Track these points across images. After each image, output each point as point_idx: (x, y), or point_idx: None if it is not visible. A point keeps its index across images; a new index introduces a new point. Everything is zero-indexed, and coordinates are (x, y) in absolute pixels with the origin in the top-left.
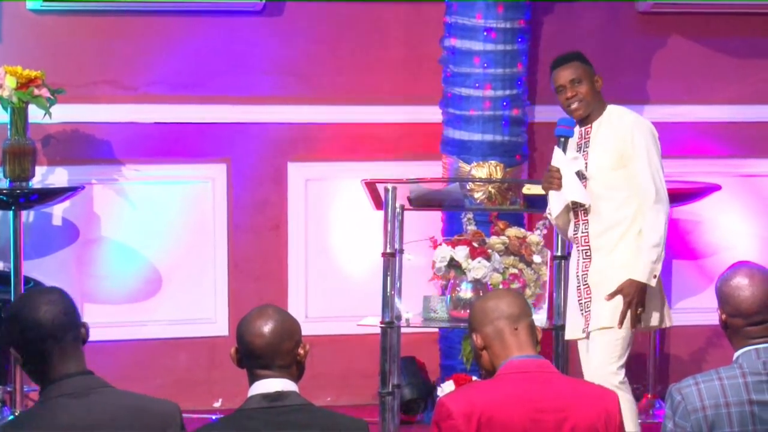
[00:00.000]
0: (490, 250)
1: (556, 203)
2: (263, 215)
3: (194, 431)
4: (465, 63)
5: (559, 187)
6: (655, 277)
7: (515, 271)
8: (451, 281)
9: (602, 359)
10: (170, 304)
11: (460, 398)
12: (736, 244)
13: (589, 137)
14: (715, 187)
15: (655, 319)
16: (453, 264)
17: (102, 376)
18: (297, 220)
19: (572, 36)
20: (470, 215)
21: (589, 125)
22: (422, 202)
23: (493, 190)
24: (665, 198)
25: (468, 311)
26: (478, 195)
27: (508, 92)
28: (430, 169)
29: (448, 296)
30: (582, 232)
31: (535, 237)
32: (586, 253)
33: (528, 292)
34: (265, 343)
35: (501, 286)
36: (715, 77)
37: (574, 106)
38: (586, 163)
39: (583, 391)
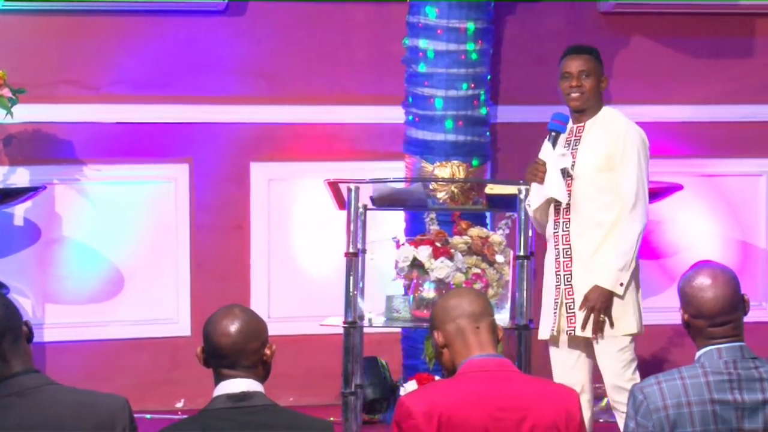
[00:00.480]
0: (452, 250)
1: (536, 196)
2: (226, 215)
3: (158, 431)
4: (428, 63)
5: (542, 180)
6: (621, 285)
7: (478, 270)
8: (414, 281)
9: (617, 367)
10: (132, 304)
11: (420, 398)
12: (698, 243)
13: (580, 135)
14: (678, 187)
15: (634, 327)
16: (416, 264)
17: (63, 377)
18: (260, 220)
19: (535, 36)
20: (433, 215)
21: (582, 124)
22: (385, 202)
23: (455, 190)
24: (644, 209)
25: (430, 311)
26: (441, 195)
27: (470, 92)
28: (393, 169)
29: (411, 296)
30: (563, 231)
31: (497, 237)
32: (566, 252)
33: (491, 291)
34: (231, 343)
35: (464, 286)
36: (678, 77)
37: (575, 95)
38: (574, 162)
39: (544, 390)
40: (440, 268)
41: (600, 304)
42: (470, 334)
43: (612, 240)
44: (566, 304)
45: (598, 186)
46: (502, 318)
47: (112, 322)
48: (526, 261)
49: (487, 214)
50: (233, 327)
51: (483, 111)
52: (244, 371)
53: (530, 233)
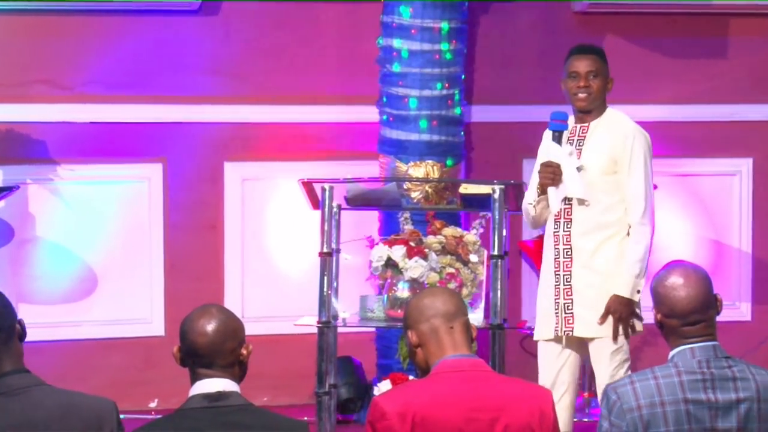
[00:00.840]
0: (427, 250)
1: (555, 200)
2: (200, 215)
3: (133, 431)
4: (402, 63)
5: (560, 182)
6: (638, 292)
7: (452, 270)
8: (388, 281)
9: (611, 368)
10: (106, 304)
11: (394, 398)
12: (671, 243)
13: (584, 135)
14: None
15: (639, 325)
16: (390, 263)
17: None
18: (233, 219)
19: (509, 36)
20: (407, 215)
21: (587, 124)
22: (359, 201)
23: (430, 190)
24: (652, 214)
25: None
26: (415, 194)
27: (445, 92)
28: (368, 169)
29: (385, 296)
30: (564, 231)
31: (471, 236)
32: (567, 252)
33: (465, 291)
34: (207, 342)
35: (438, 285)
36: (652, 77)
37: (582, 95)
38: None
39: (518, 390)
40: (414, 268)
41: (625, 314)
42: (444, 334)
43: (616, 239)
44: (565, 304)
45: (602, 188)
46: (476, 317)
47: (85, 322)
48: (500, 260)
49: (461, 213)
50: (210, 326)
51: (457, 111)
52: (220, 371)
53: (504, 233)
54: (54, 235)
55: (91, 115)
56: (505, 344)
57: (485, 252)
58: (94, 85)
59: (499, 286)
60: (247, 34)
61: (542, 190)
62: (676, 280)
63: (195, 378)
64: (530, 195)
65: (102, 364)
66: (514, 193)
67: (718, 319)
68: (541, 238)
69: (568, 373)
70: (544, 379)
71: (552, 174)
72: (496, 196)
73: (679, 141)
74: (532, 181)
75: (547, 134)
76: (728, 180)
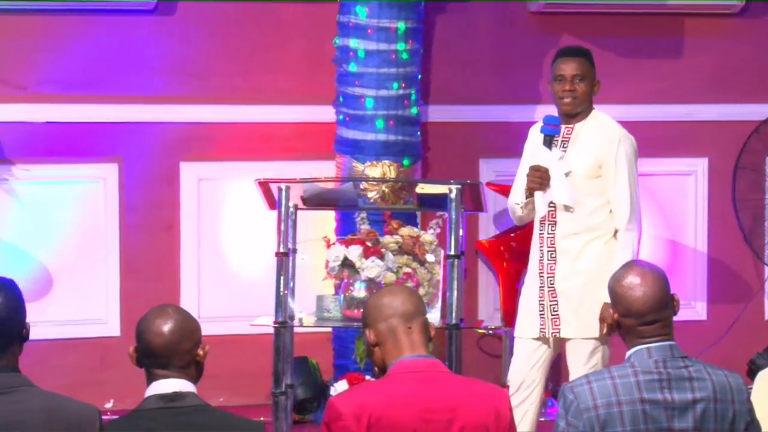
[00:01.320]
0: (383, 250)
1: (542, 204)
2: (156, 215)
3: None
4: (358, 63)
5: (547, 187)
6: None
7: (409, 270)
8: (345, 281)
9: (586, 368)
10: (61, 304)
11: (349, 399)
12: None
13: (569, 137)
14: None
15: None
16: (346, 263)
17: None
18: (190, 219)
19: (465, 35)
20: (364, 215)
21: (572, 126)
22: (316, 201)
23: (386, 190)
24: (639, 218)
25: (361, 310)
26: (372, 194)
27: (401, 92)
28: (324, 169)
29: (342, 296)
30: (549, 233)
31: (428, 236)
32: (551, 254)
33: (421, 291)
34: (164, 343)
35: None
36: (607, 77)
37: (567, 100)
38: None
39: (473, 391)
40: (371, 268)
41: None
42: (402, 334)
43: (601, 241)
44: (550, 306)
45: (586, 190)
46: (433, 317)
47: (40, 323)
48: (456, 260)
49: (418, 213)
50: (166, 327)
51: (414, 110)
52: (176, 371)
53: (461, 233)
54: (9, 236)
55: (46, 114)
56: (462, 344)
57: (442, 252)
58: (50, 85)
59: (455, 286)
60: (203, 34)
61: (530, 193)
62: (632, 280)
63: (151, 378)
64: (517, 195)
65: (58, 365)
66: (471, 193)
67: (675, 318)
68: (497, 238)
69: (539, 373)
70: (515, 375)
71: (540, 179)
72: (453, 195)
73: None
74: (518, 180)
75: (534, 132)
76: (683, 180)
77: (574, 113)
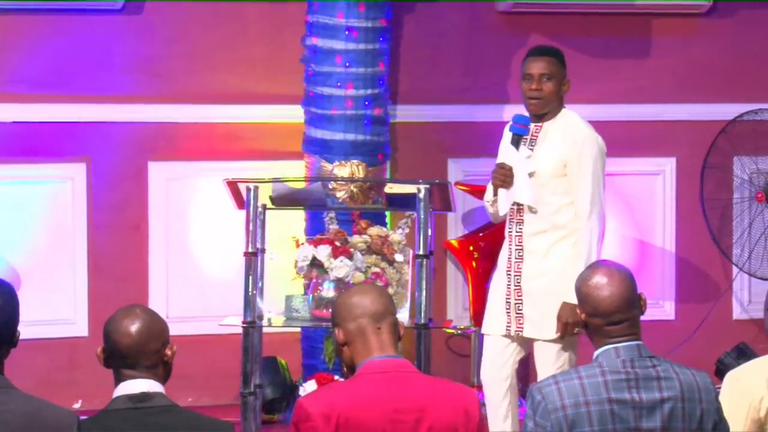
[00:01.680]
0: (352, 249)
1: (504, 202)
2: (124, 215)
3: None
4: (326, 62)
5: (510, 185)
6: None
7: (377, 269)
8: (314, 280)
9: (554, 368)
10: (29, 304)
11: (318, 399)
12: None
13: (537, 135)
14: None
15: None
16: (315, 263)
17: None
18: (158, 219)
19: (434, 35)
20: (332, 214)
21: (540, 124)
22: (284, 201)
23: (355, 190)
24: (600, 215)
25: (330, 310)
26: (341, 194)
27: (369, 91)
28: (293, 169)
29: (311, 295)
30: (516, 232)
31: (397, 236)
32: (519, 253)
33: (390, 290)
34: (131, 343)
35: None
36: (576, 77)
37: (534, 100)
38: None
39: (442, 390)
40: (340, 268)
41: (572, 319)
42: (371, 334)
43: (568, 241)
44: (516, 304)
45: (552, 189)
46: (402, 317)
47: None
48: (425, 260)
49: (387, 213)
50: (134, 327)
51: (382, 110)
52: (144, 371)
53: (429, 232)
54: None
55: (14, 114)
56: (431, 344)
57: (410, 251)
58: (17, 85)
59: (424, 286)
60: (171, 34)
61: (496, 191)
62: (599, 280)
63: (119, 379)
64: (488, 193)
65: (25, 365)
66: (440, 192)
67: (643, 318)
68: (466, 237)
69: (509, 369)
70: (485, 372)
71: (503, 176)
72: (422, 195)
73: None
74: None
75: (507, 132)
76: (652, 179)
77: (542, 113)
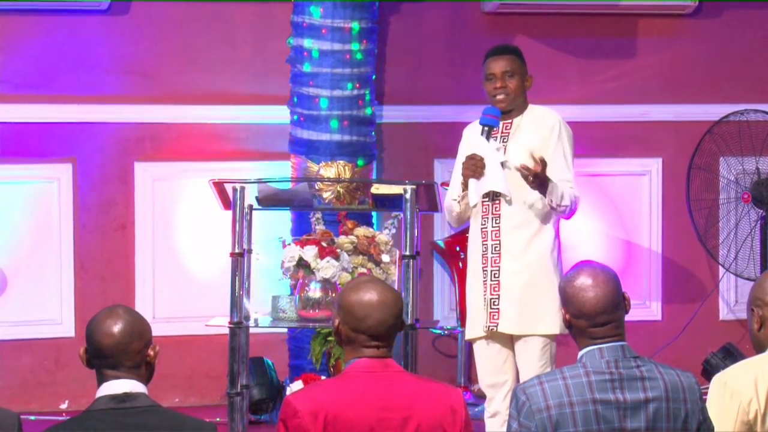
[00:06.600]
0: (338, 250)
1: (474, 192)
2: (110, 215)
3: None
4: (312, 63)
5: (481, 175)
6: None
7: (364, 270)
8: (300, 281)
9: (537, 367)
10: (15, 305)
11: (306, 397)
12: (581, 243)
13: (508, 132)
14: None
15: (558, 327)
16: (302, 264)
17: None
18: (144, 220)
19: (419, 36)
20: (319, 215)
21: (510, 120)
22: (271, 202)
23: (341, 190)
24: (576, 194)
25: (316, 311)
26: (327, 195)
27: (356, 92)
28: (279, 169)
29: (297, 296)
30: (493, 227)
31: (383, 236)
32: (495, 248)
33: None
34: (113, 343)
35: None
36: (560, 77)
37: (500, 97)
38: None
39: (429, 389)
40: (326, 268)
41: (541, 172)
42: (365, 339)
43: (548, 237)
44: (491, 299)
45: (526, 182)
46: None
47: None
48: (412, 260)
49: (373, 213)
50: (116, 327)
51: (368, 111)
52: (127, 372)
53: (416, 233)
54: None
55: None
56: (417, 344)
57: (397, 252)
58: (2, 85)
59: (411, 287)
60: (157, 34)
61: (466, 185)
62: (584, 281)
63: (102, 379)
64: (454, 191)
65: (12, 366)
66: (426, 193)
67: (629, 318)
68: (452, 238)
69: (508, 374)
70: (485, 379)
71: (474, 166)
72: (408, 196)
73: (588, 141)
74: (455, 178)
75: (468, 132)
76: (638, 180)
77: (509, 110)
